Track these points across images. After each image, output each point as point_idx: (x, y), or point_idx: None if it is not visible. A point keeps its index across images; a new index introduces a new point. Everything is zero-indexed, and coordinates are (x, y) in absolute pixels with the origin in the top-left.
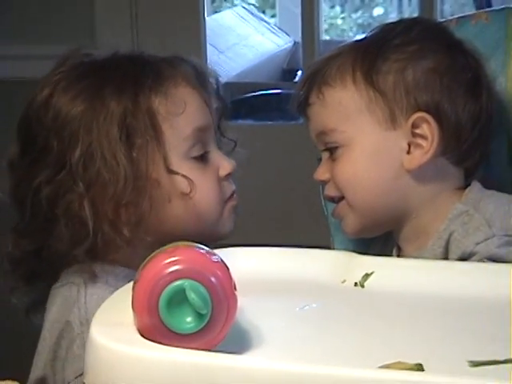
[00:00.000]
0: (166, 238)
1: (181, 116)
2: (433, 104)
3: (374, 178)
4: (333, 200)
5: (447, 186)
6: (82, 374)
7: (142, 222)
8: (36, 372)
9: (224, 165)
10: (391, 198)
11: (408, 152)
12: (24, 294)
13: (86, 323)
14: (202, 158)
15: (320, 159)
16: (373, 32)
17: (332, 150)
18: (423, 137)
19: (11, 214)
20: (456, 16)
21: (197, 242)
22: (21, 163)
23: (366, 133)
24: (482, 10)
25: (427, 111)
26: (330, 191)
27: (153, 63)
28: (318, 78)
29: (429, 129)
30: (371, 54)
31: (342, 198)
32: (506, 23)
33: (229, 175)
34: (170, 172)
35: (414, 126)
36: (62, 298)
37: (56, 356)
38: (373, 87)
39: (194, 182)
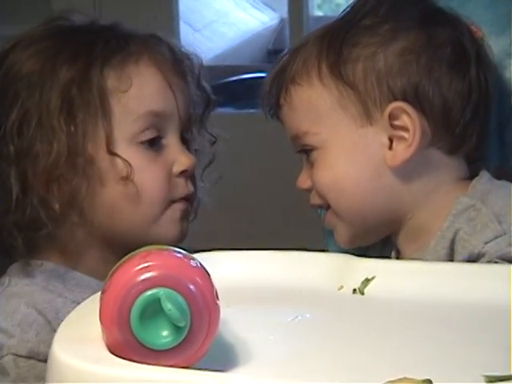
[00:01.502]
0: (100, 229)
1: (132, 94)
2: (410, 89)
3: (356, 181)
4: (321, 208)
5: (445, 178)
6: None
7: (74, 202)
8: None
9: (181, 160)
10: (379, 201)
11: (390, 147)
12: None
13: None
14: (154, 147)
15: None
16: (343, 13)
17: (308, 153)
18: (404, 128)
19: None
20: None
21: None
22: None
23: (340, 132)
24: None
25: (405, 99)
26: (315, 199)
27: (123, 36)
28: (285, 76)
29: (408, 119)
30: (336, 42)
31: (330, 206)
32: None
33: (185, 173)
34: (110, 153)
35: (392, 117)
36: None
37: None
38: (342, 81)
39: (134, 168)
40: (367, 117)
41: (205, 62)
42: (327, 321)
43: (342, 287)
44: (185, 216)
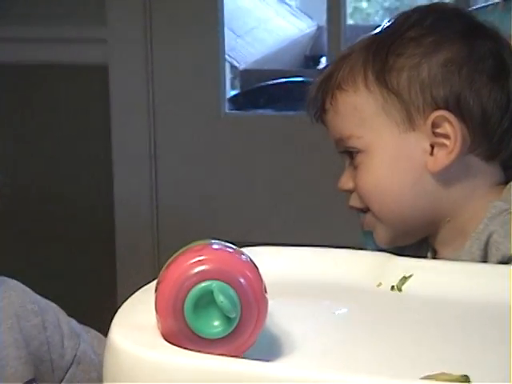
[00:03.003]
0: None
1: None
2: (452, 98)
3: (398, 186)
4: (361, 210)
5: (481, 183)
6: None
7: None
8: None
9: None
10: (420, 205)
11: (431, 153)
12: None
13: None
14: None
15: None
16: (387, 24)
17: (353, 155)
18: (446, 136)
19: None
20: None
21: None
22: None
23: (384, 137)
24: None
25: (447, 108)
26: (355, 202)
27: None
28: (331, 82)
29: (450, 127)
30: (382, 51)
31: (369, 209)
32: None
33: None
34: None
35: (435, 125)
36: None
37: None
38: (386, 88)
39: None
40: (410, 123)
41: (245, 66)
42: (366, 315)
43: (380, 284)
44: None
